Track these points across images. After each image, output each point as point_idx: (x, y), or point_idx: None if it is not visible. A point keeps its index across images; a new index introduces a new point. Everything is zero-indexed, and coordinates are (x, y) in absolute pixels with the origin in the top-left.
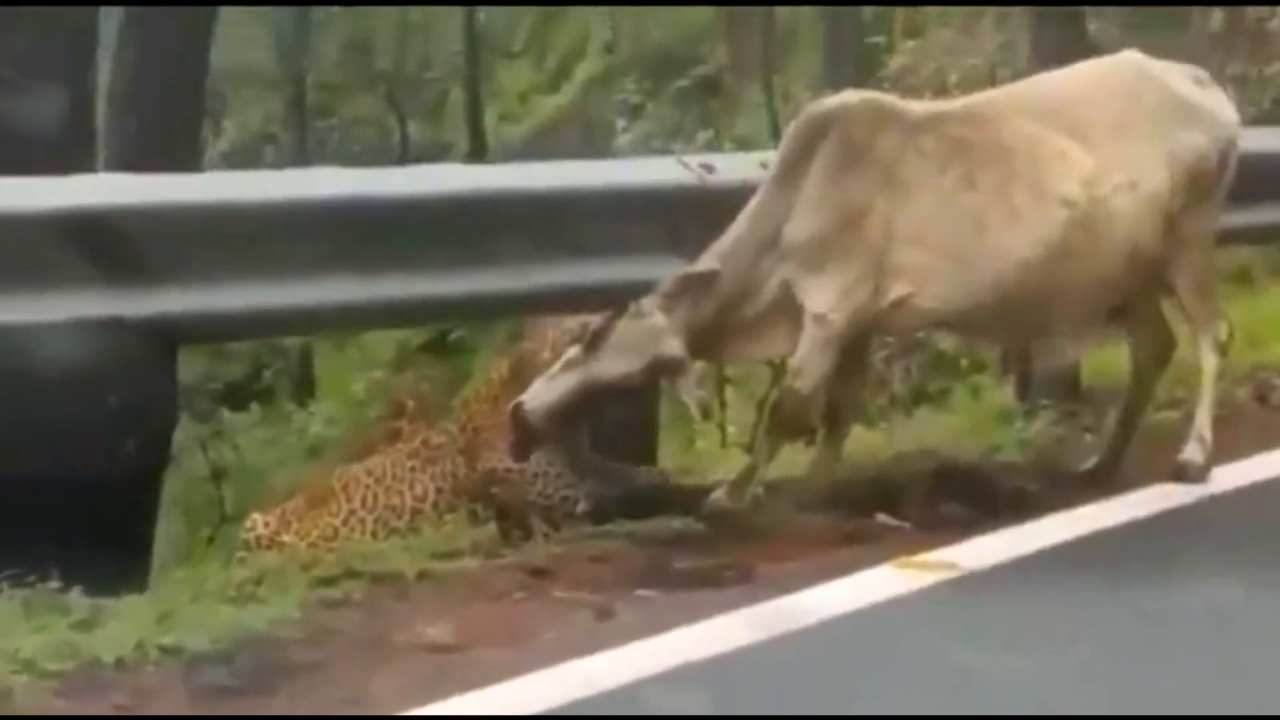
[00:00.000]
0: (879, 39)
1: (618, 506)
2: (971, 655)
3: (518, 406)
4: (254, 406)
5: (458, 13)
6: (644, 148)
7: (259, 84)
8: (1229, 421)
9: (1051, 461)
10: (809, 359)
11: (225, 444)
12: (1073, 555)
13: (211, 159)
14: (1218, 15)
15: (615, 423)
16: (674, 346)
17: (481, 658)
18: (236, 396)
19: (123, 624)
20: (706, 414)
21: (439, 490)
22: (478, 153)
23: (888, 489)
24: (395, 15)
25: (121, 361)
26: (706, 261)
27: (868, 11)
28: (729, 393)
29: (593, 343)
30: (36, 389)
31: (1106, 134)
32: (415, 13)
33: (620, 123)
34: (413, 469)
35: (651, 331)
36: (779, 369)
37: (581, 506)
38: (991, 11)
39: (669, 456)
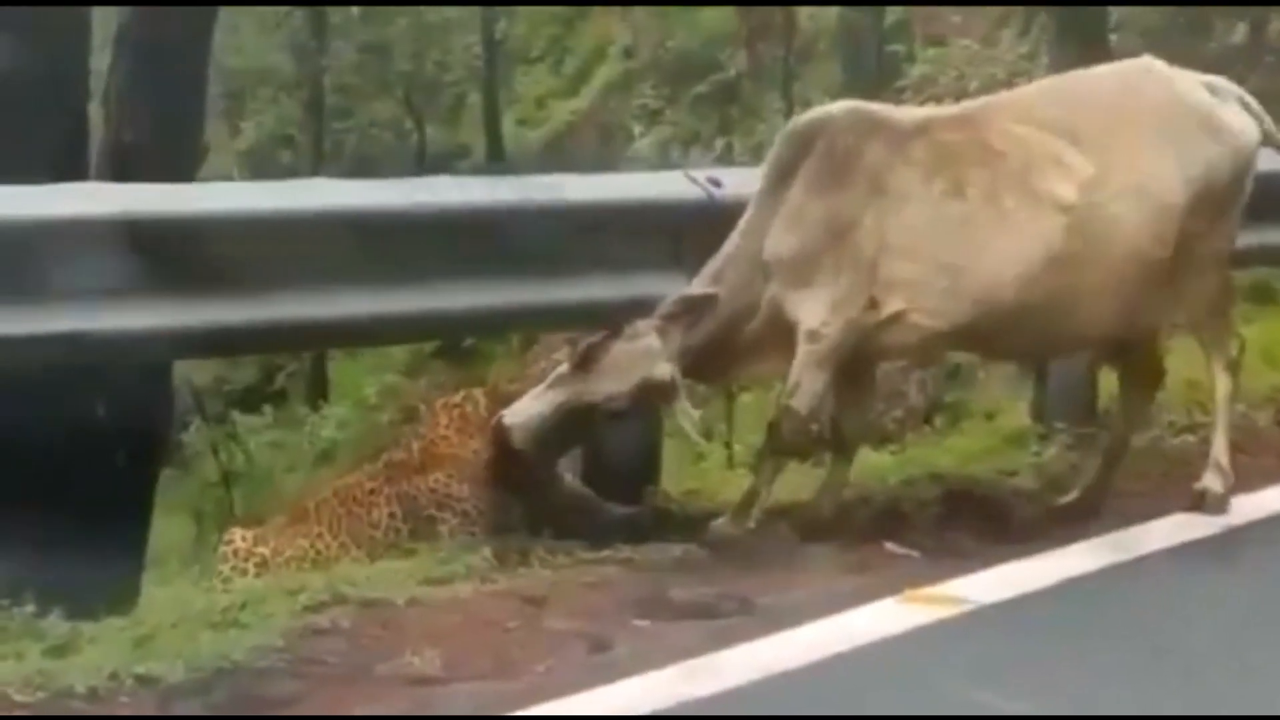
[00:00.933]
0: (899, 47)
1: (617, 530)
2: (978, 697)
3: (499, 421)
4: (267, 409)
5: (476, 16)
6: (661, 153)
7: (276, 86)
8: (1249, 447)
9: (1066, 488)
10: (803, 376)
11: (237, 447)
12: (1087, 589)
13: (229, 160)
14: (1241, 28)
15: (617, 442)
16: (664, 370)
17: (467, 691)
18: (250, 399)
19: (99, 650)
20: (707, 436)
21: (390, 515)
22: (495, 157)
23: (896, 515)
24: (413, 18)
25: (114, 373)
26: (702, 282)
27: (888, 20)
28: (739, 413)
29: (582, 361)
30: (25, 400)
31: (1109, 138)
32: (433, 15)
33: (638, 128)
34: (371, 491)
35: (644, 353)
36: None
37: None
38: (1013, 21)
39: (673, 477)
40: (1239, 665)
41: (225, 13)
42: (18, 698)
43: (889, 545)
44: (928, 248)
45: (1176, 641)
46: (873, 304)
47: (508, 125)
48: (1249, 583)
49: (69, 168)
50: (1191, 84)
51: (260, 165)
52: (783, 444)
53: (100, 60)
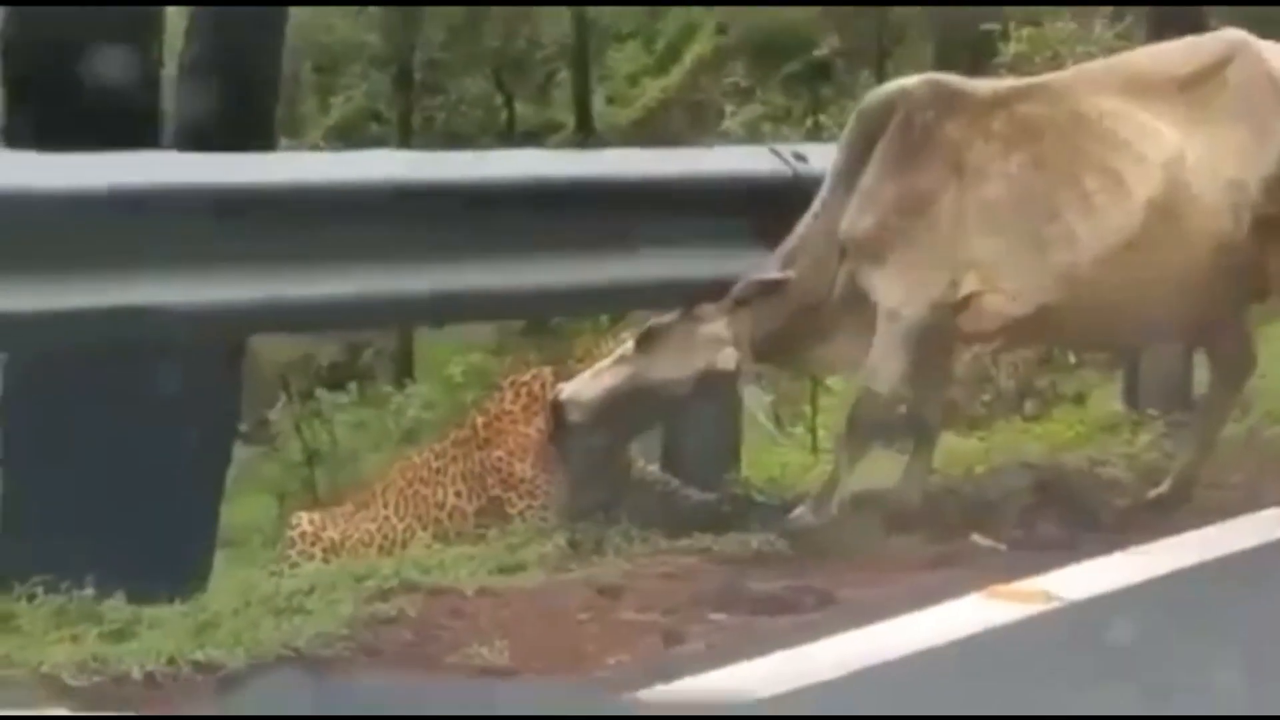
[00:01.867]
0: (994, 26)
1: (694, 517)
2: (1065, 699)
3: (555, 396)
4: (351, 387)
5: None
6: (752, 132)
7: (366, 61)
8: None
9: (1158, 478)
10: (883, 358)
11: (321, 426)
12: (1179, 585)
13: (318, 135)
14: None
15: (697, 426)
16: (729, 358)
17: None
18: (335, 376)
19: (159, 635)
20: (779, 424)
21: (456, 494)
22: (585, 134)
23: (982, 506)
24: None
25: (186, 349)
26: (775, 264)
27: None
28: (824, 396)
29: (643, 343)
30: (94, 377)
31: (1192, 113)
32: None
33: (728, 107)
34: (438, 471)
35: (708, 339)
36: None
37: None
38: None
39: (755, 463)
40: None
41: None
42: (71, 682)
43: (975, 537)
44: (1006, 226)
45: (1271, 639)
46: (952, 285)
47: (598, 103)
48: None
49: (143, 138)
50: None
51: (349, 140)
52: (862, 430)
53: (175, 29)
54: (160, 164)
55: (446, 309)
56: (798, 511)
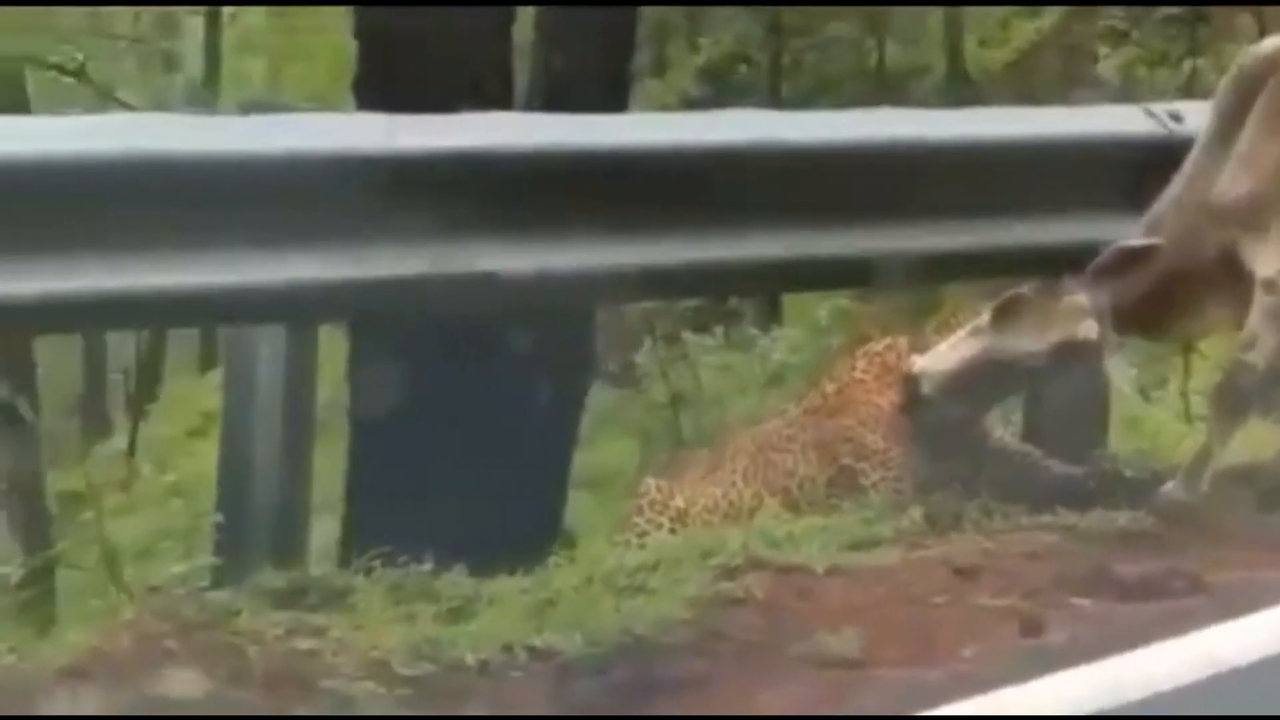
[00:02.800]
0: None
1: (1058, 492)
2: None
3: (910, 369)
4: (718, 331)
5: None
6: (1125, 76)
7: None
8: None
9: None
10: (1261, 328)
11: (686, 369)
12: None
13: (687, 77)
14: None
15: (1062, 395)
16: (1089, 329)
17: (885, 678)
18: (701, 320)
19: (496, 615)
20: (1145, 396)
21: (808, 462)
22: (956, 76)
23: None
24: None
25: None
26: (1142, 230)
27: None
28: (1197, 363)
29: (1001, 314)
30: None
31: None
32: None
33: (1102, 50)
34: (789, 438)
35: (1067, 310)
36: None
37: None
38: None
39: (1122, 434)
40: None
41: None
42: (402, 671)
43: None
44: None
45: None
46: None
47: (969, 45)
48: None
49: (495, 96)
50: None
51: (718, 83)
52: (1234, 404)
53: None
54: (511, 125)
55: (808, 276)
56: (1167, 487)
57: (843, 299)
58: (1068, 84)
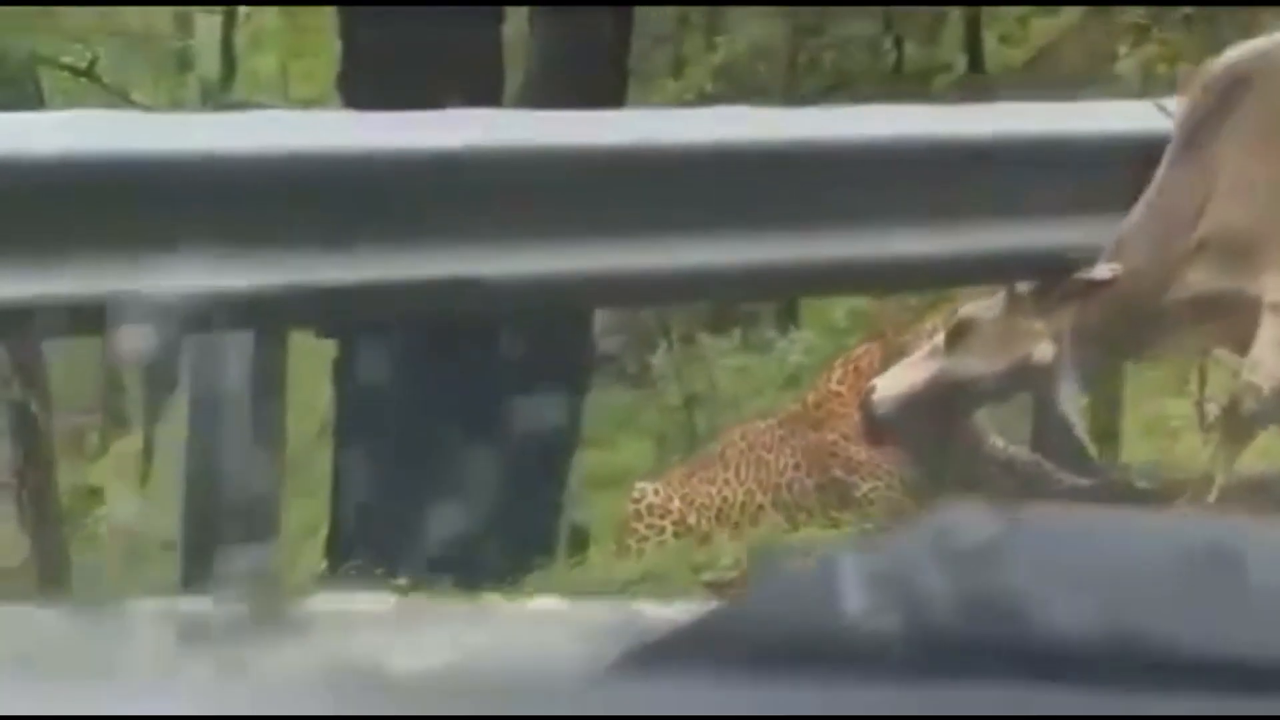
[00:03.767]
0: None
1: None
2: None
3: (868, 392)
4: (735, 332)
5: None
6: (1145, 73)
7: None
8: None
9: None
10: (1270, 350)
11: (701, 371)
12: None
13: (705, 74)
14: None
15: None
16: (1044, 353)
17: None
18: (718, 321)
19: None
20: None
21: (796, 465)
22: (975, 72)
23: None
24: None
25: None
26: (1109, 253)
27: None
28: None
29: (954, 336)
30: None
31: None
32: None
33: (1121, 47)
34: (780, 439)
35: (1023, 332)
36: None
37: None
38: None
39: (1135, 444)
40: None
41: None
42: None
43: None
44: None
45: None
46: None
47: (989, 42)
48: None
49: (483, 93)
50: None
51: (736, 81)
52: (1239, 428)
53: None
54: (500, 123)
55: (810, 281)
56: (1176, 504)
57: (860, 300)
58: (1085, 81)
